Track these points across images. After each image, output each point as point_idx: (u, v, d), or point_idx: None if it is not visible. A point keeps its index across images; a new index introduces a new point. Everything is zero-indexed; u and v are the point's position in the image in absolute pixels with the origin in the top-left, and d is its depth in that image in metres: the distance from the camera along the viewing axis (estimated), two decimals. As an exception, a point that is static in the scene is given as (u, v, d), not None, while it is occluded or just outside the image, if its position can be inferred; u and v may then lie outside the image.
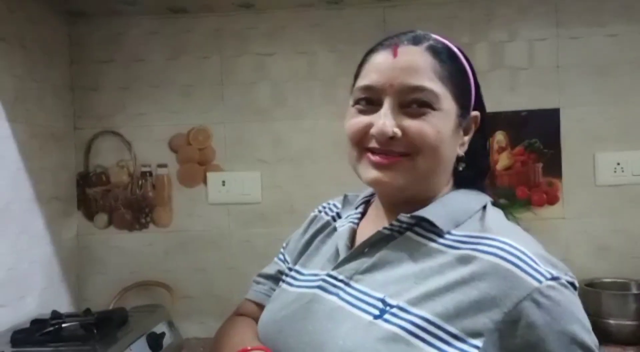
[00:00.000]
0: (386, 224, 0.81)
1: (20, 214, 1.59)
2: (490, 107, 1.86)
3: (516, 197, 1.82)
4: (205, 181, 1.91)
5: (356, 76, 0.83)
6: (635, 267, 1.75)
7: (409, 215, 0.78)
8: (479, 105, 0.85)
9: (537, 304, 0.65)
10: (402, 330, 0.68)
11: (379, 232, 0.80)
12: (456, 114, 0.79)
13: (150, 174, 1.92)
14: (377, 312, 0.71)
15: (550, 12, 1.81)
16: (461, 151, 0.82)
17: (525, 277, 0.66)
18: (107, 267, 1.91)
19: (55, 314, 1.49)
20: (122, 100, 1.91)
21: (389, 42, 0.80)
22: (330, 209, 1.00)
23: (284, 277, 0.95)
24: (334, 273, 0.81)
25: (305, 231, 0.99)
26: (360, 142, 0.79)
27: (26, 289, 1.60)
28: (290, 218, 1.82)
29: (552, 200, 1.82)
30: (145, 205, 1.92)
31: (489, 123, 0.88)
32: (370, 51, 0.82)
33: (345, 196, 1.00)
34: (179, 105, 1.91)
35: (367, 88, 0.78)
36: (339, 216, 0.97)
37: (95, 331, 1.35)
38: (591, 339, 0.68)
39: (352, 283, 0.78)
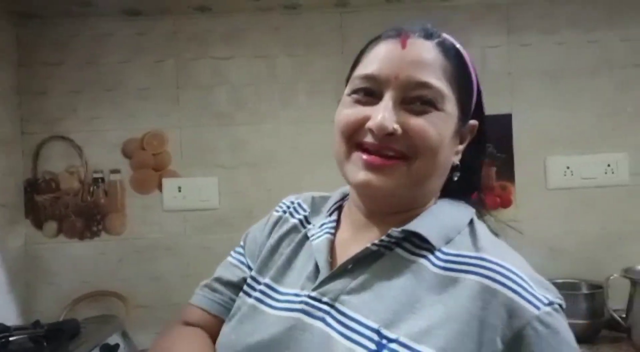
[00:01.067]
0: (371, 237, 0.74)
1: (-37, 222, 1.51)
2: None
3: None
4: (160, 187, 1.87)
5: (355, 64, 0.77)
6: (586, 268, 1.81)
7: (400, 229, 0.71)
8: (479, 113, 0.79)
9: (537, 332, 0.62)
10: None
11: (366, 248, 0.72)
12: (457, 118, 0.73)
13: (103, 180, 1.87)
14: (373, 347, 0.65)
15: (502, 21, 1.86)
16: (456, 160, 0.77)
17: (525, 305, 0.63)
18: (58, 278, 1.84)
19: (2, 327, 1.42)
20: (73, 104, 1.85)
21: (398, 31, 0.74)
22: (295, 209, 0.90)
23: (247, 288, 0.84)
24: (315, 294, 0.73)
25: (270, 234, 0.88)
26: (353, 136, 0.72)
27: (-31, 301, 1.52)
28: (250, 223, 1.75)
29: (506, 203, 1.86)
30: (97, 212, 1.86)
31: (486, 134, 0.82)
32: (375, 39, 0.76)
33: (313, 198, 0.90)
34: (133, 109, 1.86)
35: (368, 77, 0.72)
36: (307, 220, 0.87)
37: (45, 344, 1.30)
38: None
39: (338, 305, 0.70)
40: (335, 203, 0.86)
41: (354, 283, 0.71)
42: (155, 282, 1.86)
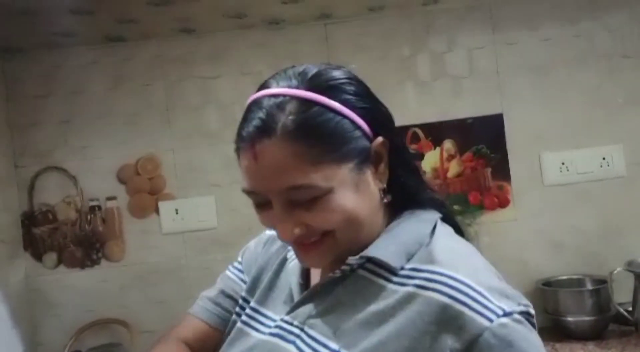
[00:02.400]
0: (338, 260, 0.74)
1: (-39, 262, 1.51)
2: (436, 116, 1.87)
3: (469, 203, 1.85)
4: (157, 211, 1.87)
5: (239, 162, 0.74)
6: (589, 263, 1.80)
7: (357, 257, 0.72)
8: (383, 126, 0.74)
9: (489, 345, 0.61)
10: None
11: (329, 276, 0.74)
12: (350, 172, 0.70)
13: (99, 207, 1.87)
14: None
15: (486, 20, 1.86)
16: (382, 183, 0.75)
17: (476, 317, 0.62)
18: (60, 308, 1.84)
19: (6, 365, 1.42)
20: (64, 134, 1.85)
21: (245, 137, 0.69)
22: None
23: (238, 309, 0.88)
24: (287, 318, 0.76)
25: (262, 250, 0.92)
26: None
27: (-27, 340, 1.52)
28: (248, 241, 1.79)
29: (504, 203, 1.85)
30: (96, 240, 1.86)
31: (400, 141, 0.78)
32: (237, 138, 0.72)
33: None
34: (124, 135, 1.86)
35: (249, 192, 0.72)
36: None
37: (49, 380, 1.29)
38: None
39: (307, 329, 0.73)
40: None
41: (321, 307, 0.74)
42: (159, 306, 1.85)
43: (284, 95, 0.70)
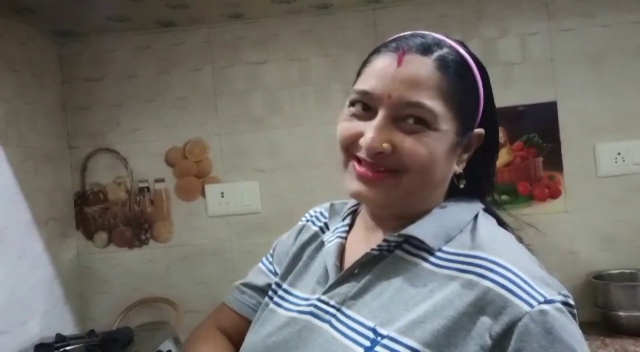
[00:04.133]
0: (376, 240, 0.77)
1: (18, 237, 1.57)
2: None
3: (518, 193, 1.80)
4: (203, 194, 1.90)
5: (358, 74, 0.77)
6: (642, 257, 1.74)
7: (396, 234, 0.74)
8: (488, 119, 0.78)
9: (527, 330, 0.61)
10: None
11: (367, 254, 0.76)
12: (455, 133, 0.73)
13: (148, 189, 1.91)
14: (368, 344, 0.68)
15: (541, 6, 1.80)
16: (459, 168, 0.77)
17: (516, 302, 0.62)
18: (110, 286, 1.89)
19: (60, 337, 1.47)
20: (116, 117, 1.90)
21: (397, 45, 0.73)
22: (317, 218, 0.95)
23: (271, 293, 0.89)
24: (324, 298, 0.77)
25: (295, 241, 0.94)
26: (349, 148, 0.74)
27: (28, 313, 1.58)
28: (291, 226, 1.77)
29: (555, 194, 1.80)
30: (145, 221, 1.91)
31: (496, 141, 0.81)
32: (377, 50, 0.76)
33: (332, 205, 0.94)
34: (173, 119, 1.90)
35: (364, 93, 0.73)
36: (327, 227, 0.91)
37: (99, 352, 1.33)
38: None
39: (344, 309, 0.74)
40: (350, 208, 0.90)
41: (357, 287, 0.75)
42: (203, 287, 1.89)
43: (446, 43, 0.75)
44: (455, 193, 0.80)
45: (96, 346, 1.36)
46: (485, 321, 0.63)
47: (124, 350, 1.40)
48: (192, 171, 1.90)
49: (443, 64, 0.71)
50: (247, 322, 0.91)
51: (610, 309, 1.63)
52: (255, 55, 1.88)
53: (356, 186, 0.73)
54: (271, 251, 0.99)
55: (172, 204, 1.91)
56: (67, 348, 1.38)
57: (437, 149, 0.71)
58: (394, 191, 0.72)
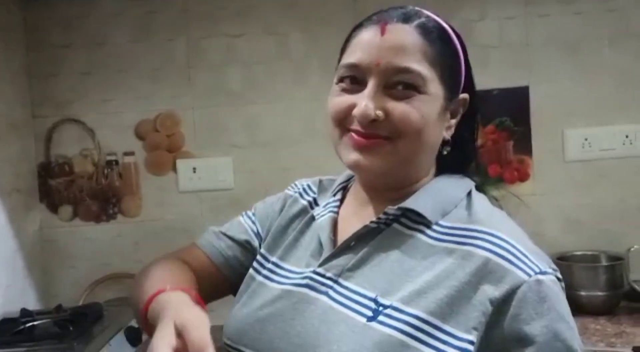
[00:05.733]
0: (371, 214, 0.78)
1: (-20, 208, 1.50)
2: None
3: (488, 176, 1.84)
4: (175, 169, 1.86)
5: (342, 51, 0.78)
6: (605, 239, 1.81)
7: (395, 207, 0.75)
8: (469, 87, 0.80)
9: (525, 297, 0.65)
10: (398, 332, 0.66)
11: (366, 226, 0.76)
12: (443, 97, 0.75)
13: (117, 162, 1.85)
14: (370, 314, 0.69)
15: (519, -10, 1.83)
16: (447, 135, 0.78)
17: (515, 271, 0.66)
18: (75, 261, 1.84)
19: (25, 312, 1.42)
20: (84, 86, 1.83)
21: (378, 17, 0.75)
22: (305, 191, 0.93)
23: (256, 265, 0.87)
24: (320, 270, 0.77)
25: (280, 211, 0.92)
26: (343, 122, 0.75)
27: (-10, 287, 1.52)
28: (266, 203, 1.79)
29: (523, 177, 1.85)
30: (112, 195, 1.85)
31: (478, 106, 0.82)
32: (358, 26, 0.77)
33: (321, 181, 0.94)
34: (144, 90, 1.84)
35: (352, 66, 0.74)
36: (315, 202, 0.90)
37: (70, 328, 1.29)
38: (574, 338, 0.67)
39: (342, 281, 0.75)
40: (340, 184, 0.90)
41: (355, 259, 0.75)
42: (173, 263, 1.85)
43: (423, 13, 0.77)
44: (444, 169, 0.82)
45: (66, 321, 1.33)
46: (486, 288, 0.66)
47: (94, 325, 1.38)
48: (163, 145, 1.85)
49: (424, 30, 0.74)
50: (216, 270, 0.89)
51: (573, 289, 1.69)
52: (232, 27, 1.84)
53: (354, 156, 0.74)
54: (253, 210, 0.95)
55: (142, 178, 1.86)
56: (35, 323, 1.33)
57: (429, 112, 0.73)
58: (391, 157, 0.73)
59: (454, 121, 0.79)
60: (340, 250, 0.78)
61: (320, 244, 0.81)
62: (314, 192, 0.93)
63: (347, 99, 0.74)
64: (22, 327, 1.31)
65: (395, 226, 0.76)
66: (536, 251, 0.70)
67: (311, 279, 0.77)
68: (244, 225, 0.93)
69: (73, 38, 1.82)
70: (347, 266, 0.75)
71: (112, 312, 1.50)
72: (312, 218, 0.87)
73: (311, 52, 1.82)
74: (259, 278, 0.85)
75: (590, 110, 1.83)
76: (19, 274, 1.68)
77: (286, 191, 0.95)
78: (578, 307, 1.69)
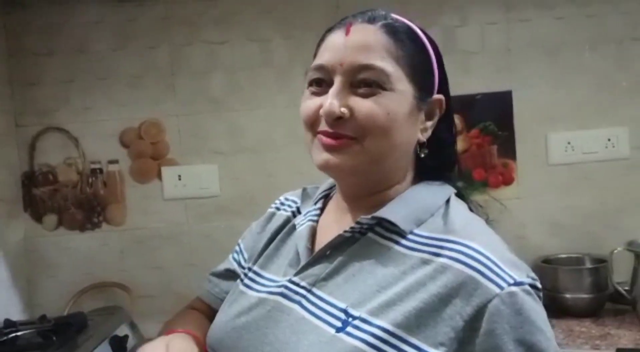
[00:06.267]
0: (349, 222, 0.78)
1: (-39, 219, 1.49)
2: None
3: (473, 180, 1.85)
4: (160, 176, 1.85)
5: (314, 55, 0.80)
6: (588, 242, 1.82)
7: (369, 217, 0.75)
8: (444, 90, 0.81)
9: (498, 310, 0.64)
10: (364, 343, 0.66)
11: (340, 235, 0.77)
12: (413, 96, 0.74)
13: (101, 171, 1.84)
14: (339, 324, 0.69)
15: (500, -5, 1.84)
16: (423, 137, 0.78)
17: (487, 284, 0.65)
18: (59, 270, 1.82)
19: (8, 323, 1.41)
20: (66, 94, 1.82)
21: (344, 22, 0.77)
22: (289, 205, 0.96)
23: (242, 276, 0.91)
24: (295, 279, 0.78)
25: (263, 229, 0.95)
26: (313, 125, 0.76)
27: (-27, 298, 1.51)
28: (251, 210, 1.77)
29: (508, 181, 1.86)
30: (97, 203, 1.84)
31: (451, 108, 0.83)
32: (328, 30, 0.79)
33: (304, 189, 0.96)
34: (127, 98, 1.83)
35: (319, 68, 0.76)
36: (299, 211, 0.93)
37: (54, 338, 1.29)
38: (551, 347, 0.66)
39: (315, 290, 0.75)
40: (322, 192, 0.91)
41: (329, 268, 0.76)
42: (158, 271, 1.85)
43: (391, 16, 0.78)
44: (424, 174, 0.81)
45: (50, 331, 1.32)
46: (456, 303, 0.65)
47: (78, 335, 1.37)
48: (148, 153, 1.85)
49: (389, 29, 0.75)
50: (213, 309, 0.94)
51: (558, 292, 1.71)
52: (214, 34, 1.83)
53: (322, 156, 0.74)
54: (240, 240, 1.00)
55: (127, 186, 1.85)
56: (18, 334, 1.32)
57: (396, 109, 0.73)
58: (360, 157, 0.73)
59: (430, 123, 0.79)
60: (315, 259, 0.78)
61: (298, 253, 0.82)
62: (297, 202, 0.94)
63: (316, 101, 0.75)
64: (4, 338, 1.30)
65: (370, 235, 0.76)
66: (512, 261, 0.69)
67: (286, 287, 0.79)
68: (229, 257, 1.00)
69: (54, 45, 1.80)
70: (321, 275, 0.76)
71: (97, 322, 1.49)
72: (294, 227, 0.88)
73: (294, 58, 1.82)
74: (240, 287, 0.88)
75: (573, 114, 1.84)
76: (3, 284, 1.67)
77: (268, 209, 0.98)
78: (563, 310, 1.70)
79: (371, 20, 0.75)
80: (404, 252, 0.72)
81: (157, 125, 1.84)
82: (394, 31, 0.75)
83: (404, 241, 0.73)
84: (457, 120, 1.82)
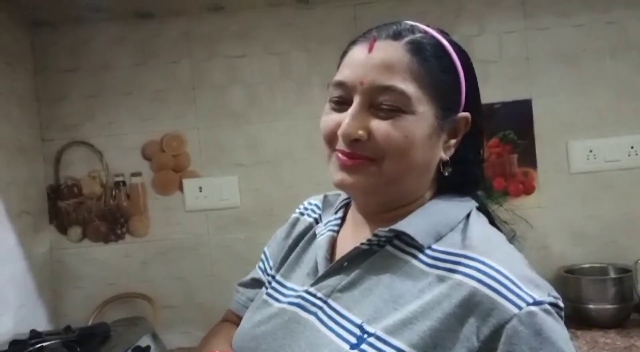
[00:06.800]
0: (366, 234, 0.77)
1: (-10, 231, 1.53)
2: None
3: (493, 189, 1.84)
4: (181, 188, 1.88)
5: (338, 67, 0.78)
6: (612, 252, 1.79)
7: (387, 229, 0.73)
8: (474, 106, 0.78)
9: (515, 332, 0.61)
10: None
11: (356, 247, 0.76)
12: (434, 116, 0.72)
13: (124, 183, 1.88)
14: (354, 341, 0.68)
15: (518, 5, 1.83)
16: (446, 155, 0.76)
17: (505, 303, 0.62)
18: (84, 281, 1.86)
19: (35, 334, 1.44)
20: (91, 109, 1.86)
21: (370, 34, 0.74)
22: (312, 210, 0.95)
23: (267, 284, 0.91)
24: (312, 290, 0.77)
25: (288, 234, 0.95)
26: (332, 142, 0.75)
27: (1, 308, 1.54)
28: (271, 221, 1.80)
29: (529, 190, 1.84)
30: (120, 215, 1.88)
31: (482, 126, 0.79)
32: (353, 42, 0.77)
33: (326, 197, 0.95)
34: (150, 112, 1.87)
35: (339, 84, 0.74)
36: (321, 218, 0.92)
37: (78, 349, 1.31)
38: None
39: (330, 302, 0.74)
40: (342, 201, 0.90)
41: (346, 280, 0.75)
42: (180, 282, 1.87)
43: (420, 29, 0.75)
44: (447, 189, 0.79)
45: (74, 341, 1.34)
46: (472, 322, 0.63)
47: (102, 346, 1.38)
48: (170, 165, 1.88)
49: (414, 47, 0.72)
50: (240, 318, 0.94)
51: (581, 303, 1.68)
52: (234, 48, 1.86)
53: (339, 175, 0.73)
54: (265, 248, 1.00)
55: (149, 198, 1.88)
56: (44, 344, 1.35)
57: (415, 132, 0.71)
58: (375, 178, 0.72)
59: (453, 141, 0.76)
60: (332, 270, 0.78)
61: (317, 264, 0.81)
62: (319, 209, 0.94)
63: (335, 117, 0.74)
64: (31, 348, 1.33)
65: (388, 248, 0.75)
66: (531, 279, 0.66)
67: (303, 298, 0.78)
68: (256, 266, 1.00)
69: (79, 62, 1.86)
70: (337, 286, 0.75)
71: (120, 332, 1.51)
72: (315, 236, 0.88)
73: (312, 71, 1.84)
74: (264, 296, 0.88)
75: (594, 122, 1.82)
76: (29, 295, 1.71)
77: (292, 215, 0.98)
78: (587, 321, 1.68)
79: (396, 36, 0.72)
80: (421, 268, 0.70)
81: (178, 138, 1.87)
82: (420, 49, 0.72)
83: (422, 256, 0.71)
84: (476, 129, 1.83)
